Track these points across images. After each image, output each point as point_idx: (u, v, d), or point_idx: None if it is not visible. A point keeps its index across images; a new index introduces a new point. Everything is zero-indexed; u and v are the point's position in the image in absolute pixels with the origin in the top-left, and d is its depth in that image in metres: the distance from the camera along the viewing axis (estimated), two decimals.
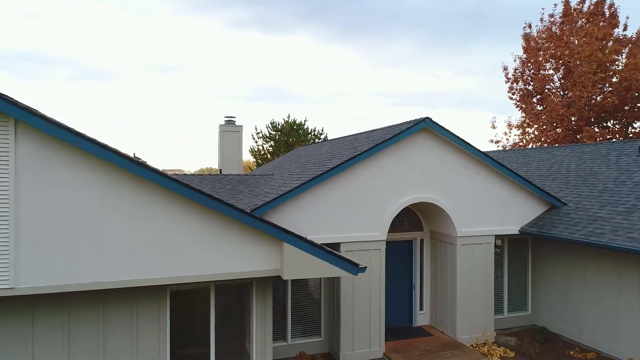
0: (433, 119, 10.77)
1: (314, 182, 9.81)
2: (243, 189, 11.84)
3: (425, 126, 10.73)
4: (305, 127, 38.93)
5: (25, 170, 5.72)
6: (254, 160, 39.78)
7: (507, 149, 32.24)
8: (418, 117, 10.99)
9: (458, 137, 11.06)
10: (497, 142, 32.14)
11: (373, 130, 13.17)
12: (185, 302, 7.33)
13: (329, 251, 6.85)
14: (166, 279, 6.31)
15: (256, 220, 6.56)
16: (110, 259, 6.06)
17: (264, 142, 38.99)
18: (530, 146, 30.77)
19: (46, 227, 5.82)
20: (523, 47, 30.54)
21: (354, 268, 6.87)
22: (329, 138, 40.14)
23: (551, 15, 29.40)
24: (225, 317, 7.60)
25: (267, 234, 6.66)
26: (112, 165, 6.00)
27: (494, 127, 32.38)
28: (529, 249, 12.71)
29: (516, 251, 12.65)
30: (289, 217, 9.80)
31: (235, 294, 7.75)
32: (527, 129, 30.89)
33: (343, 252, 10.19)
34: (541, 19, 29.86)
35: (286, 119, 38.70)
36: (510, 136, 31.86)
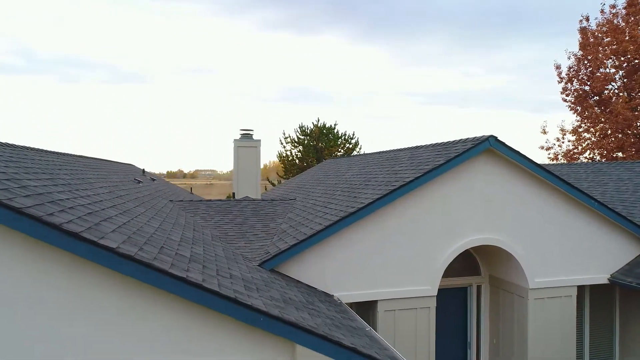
0: (498, 138, 8.28)
1: (342, 223, 7.51)
2: (255, 222, 9.64)
3: (488, 147, 8.25)
4: (335, 131, 36.66)
5: None
6: (282, 166, 37.80)
7: (559, 156, 29.06)
8: (479, 136, 8.51)
9: (530, 160, 8.53)
10: (548, 149, 28.91)
11: (416, 148, 10.74)
12: None
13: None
14: None
15: (254, 313, 4.29)
16: None
17: (292, 148, 36.96)
18: (587, 154, 27.47)
19: None
20: (580, 43, 27.23)
21: None
22: (360, 142, 37.86)
23: (613, 7, 26.03)
24: None
25: (270, 332, 4.38)
26: None
27: (544, 132, 29.10)
28: (616, 301, 9.99)
29: (600, 303, 9.96)
30: (310, 269, 7.55)
31: None
32: (583, 134, 27.58)
33: (380, 312, 7.86)
34: (602, 11, 26.51)
35: (315, 122, 36.53)
36: (563, 142, 28.57)
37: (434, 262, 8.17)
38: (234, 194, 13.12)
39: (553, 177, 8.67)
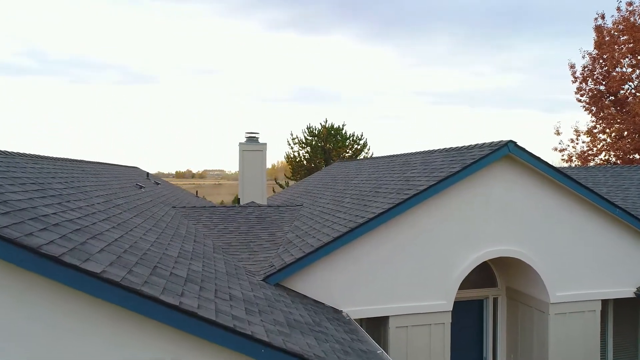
0: (518, 143, 7.79)
1: (352, 235, 7.06)
2: (260, 231, 9.22)
3: (507, 153, 7.75)
4: (343, 132, 36.18)
5: None
6: (290, 167, 37.39)
7: (572, 157, 28.34)
8: (496, 141, 8.02)
9: (551, 166, 8.03)
10: (562, 150, 28.20)
11: (429, 153, 10.25)
12: None
13: None
14: None
15: (255, 344, 3.86)
16: None
17: (300, 149, 36.55)
18: (602, 155, 26.74)
19: None
20: (595, 42, 26.50)
21: None
22: (368, 143, 37.30)
23: (629, 4, 25.28)
24: None
25: None
26: None
27: (558, 133, 28.40)
28: None
29: (624, 317, 9.42)
30: (317, 283, 7.11)
31: None
32: (598, 135, 26.85)
33: (392, 329, 7.40)
34: (618, 8, 25.76)
35: (323, 123, 36.07)
36: (577, 143, 27.83)
37: (449, 275, 7.70)
38: (239, 199, 12.71)
39: (575, 184, 8.15)
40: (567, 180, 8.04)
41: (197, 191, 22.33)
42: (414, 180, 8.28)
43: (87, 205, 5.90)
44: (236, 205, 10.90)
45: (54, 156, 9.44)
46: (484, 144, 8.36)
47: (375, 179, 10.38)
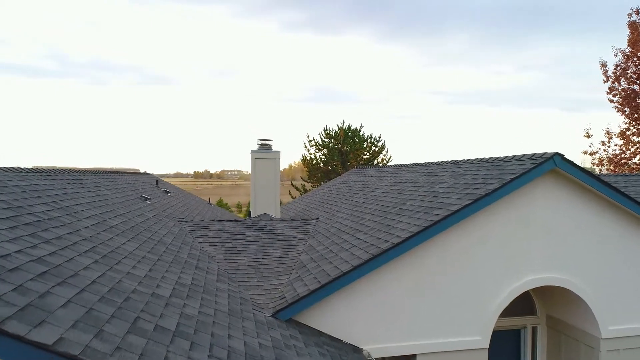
0: (565, 156, 6.78)
1: (374, 263, 6.16)
2: (272, 250, 8.37)
3: (553, 167, 6.75)
4: (360, 133, 35.23)
5: None
6: (306, 169, 36.57)
7: (604, 161, 26.85)
8: (539, 153, 7.02)
9: (603, 181, 6.99)
10: (592, 153, 26.72)
11: (459, 163, 9.27)
12: None
13: None
14: None
15: None
16: None
17: (317, 151, 35.70)
18: (637, 159, 25.23)
19: None
20: (628, 39, 25.00)
21: None
22: (386, 146, 36.17)
23: None
24: None
25: None
26: None
27: (588, 136, 26.95)
28: None
29: None
30: (335, 317, 6.22)
31: None
32: (632, 138, 25.35)
33: None
34: None
35: (340, 125, 35.17)
36: (609, 146, 26.34)
37: (484, 307, 6.73)
38: (249, 213, 11.86)
39: (634, 204, 7.10)
40: (624, 199, 7.00)
41: (209, 198, 21.62)
42: (443, 197, 7.34)
43: (69, 233, 5.12)
44: (247, 219, 10.08)
45: (51, 167, 8.76)
46: (523, 155, 7.36)
47: (399, 192, 9.44)
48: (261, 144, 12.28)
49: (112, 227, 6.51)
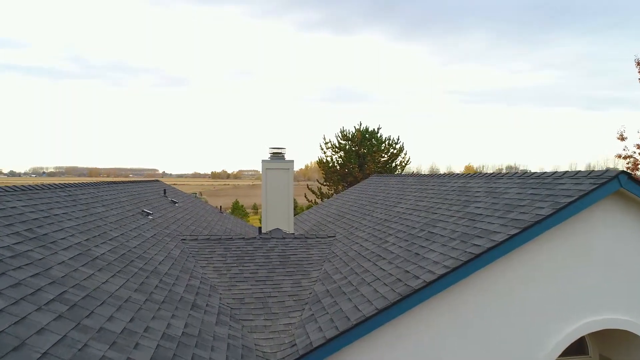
0: (631, 174, 5.65)
1: (403, 305, 5.14)
2: (283, 277, 7.40)
3: (618, 188, 5.64)
4: (378, 135, 34.13)
5: None
6: (322, 172, 35.62)
7: (639, 165, 25.21)
8: (598, 171, 5.91)
9: None
10: (626, 157, 25.10)
11: (495, 177, 8.16)
12: None
13: None
14: None
15: None
16: None
17: (333, 153, 34.72)
18: None
19: None
20: None
21: None
22: (404, 148, 34.83)
23: None
24: None
25: None
26: None
27: (622, 139, 25.36)
28: None
29: None
30: None
31: None
32: None
33: None
34: None
35: (357, 126, 34.14)
36: None
37: (533, 356, 5.65)
38: (260, 229, 10.92)
39: None
40: None
41: (220, 206, 20.79)
42: (482, 222, 6.27)
43: (34, 276, 4.22)
44: (256, 237, 9.14)
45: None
46: (577, 172, 6.25)
47: (426, 209, 8.38)
48: (273, 153, 11.34)
49: (96, 258, 5.62)
